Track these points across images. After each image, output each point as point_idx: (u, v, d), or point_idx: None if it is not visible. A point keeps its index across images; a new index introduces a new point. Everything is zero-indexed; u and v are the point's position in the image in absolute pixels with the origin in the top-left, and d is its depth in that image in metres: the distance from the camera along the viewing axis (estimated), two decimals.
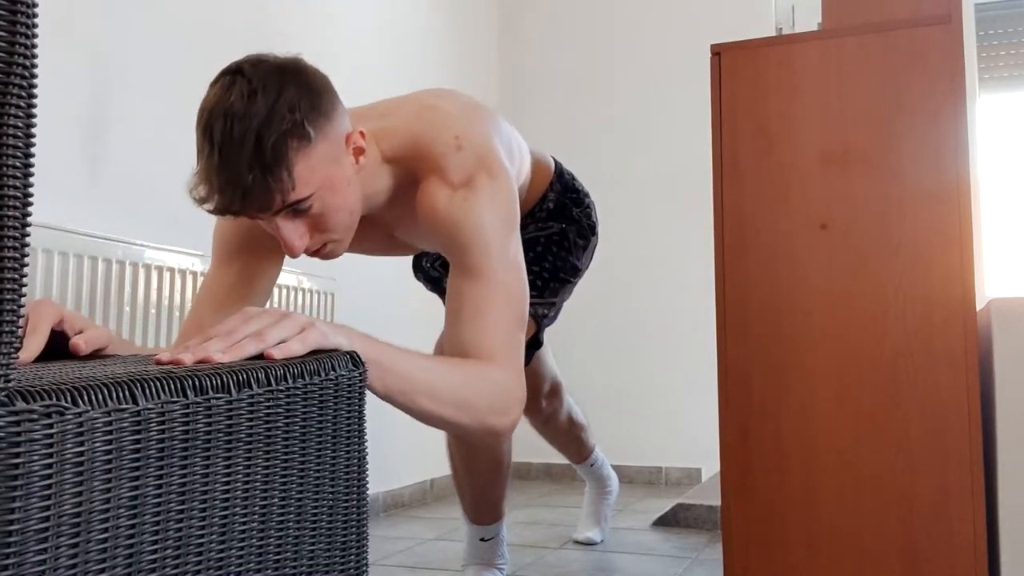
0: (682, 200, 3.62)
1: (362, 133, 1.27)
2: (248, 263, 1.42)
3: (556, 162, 1.86)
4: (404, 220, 1.45)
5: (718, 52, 1.46)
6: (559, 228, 1.81)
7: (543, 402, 2.05)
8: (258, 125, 1.10)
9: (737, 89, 1.45)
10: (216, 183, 1.12)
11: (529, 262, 1.76)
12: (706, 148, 3.38)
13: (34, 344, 0.94)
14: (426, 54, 3.44)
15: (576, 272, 1.85)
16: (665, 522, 2.65)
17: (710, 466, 3.41)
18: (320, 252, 1.28)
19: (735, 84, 1.45)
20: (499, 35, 4.04)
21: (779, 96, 1.42)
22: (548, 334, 1.84)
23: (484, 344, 1.24)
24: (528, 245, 1.78)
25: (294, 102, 1.13)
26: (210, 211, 1.17)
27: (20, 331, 0.93)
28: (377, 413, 2.82)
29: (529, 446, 3.81)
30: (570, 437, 2.26)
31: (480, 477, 1.79)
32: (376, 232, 1.50)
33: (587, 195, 1.91)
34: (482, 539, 1.88)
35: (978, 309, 1.38)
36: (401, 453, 2.87)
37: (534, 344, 1.78)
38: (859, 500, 1.33)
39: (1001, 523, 1.28)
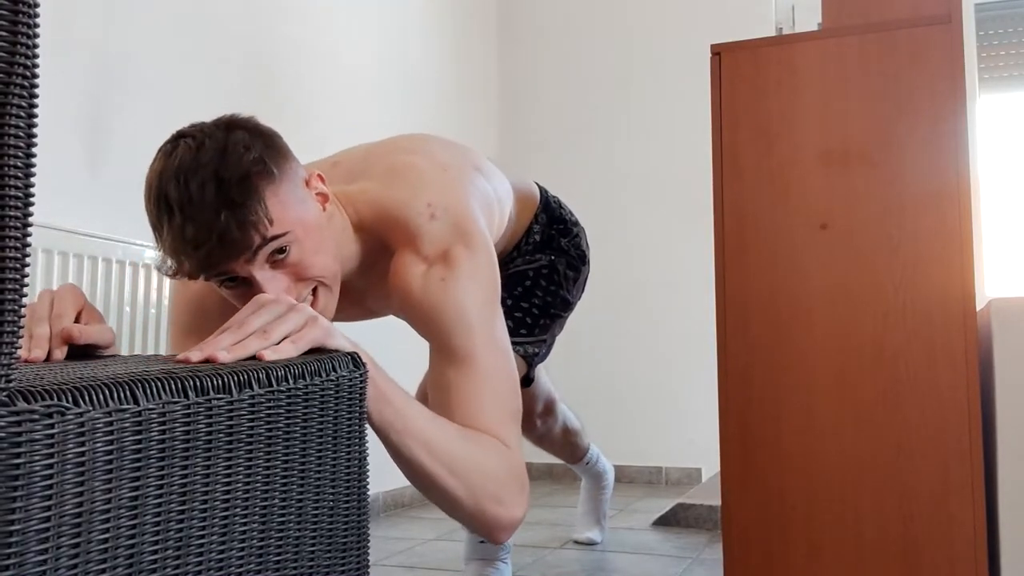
0: (682, 200, 3.62)
1: (320, 177, 1.20)
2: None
3: (542, 191, 1.81)
4: (377, 291, 1.36)
5: (718, 52, 1.46)
6: (547, 260, 1.77)
7: (537, 422, 2.03)
8: (215, 168, 1.03)
9: (737, 89, 1.45)
10: (187, 241, 1.03)
11: (517, 298, 1.74)
12: (706, 148, 3.39)
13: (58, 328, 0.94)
14: (426, 54, 3.44)
15: (567, 306, 1.81)
16: (665, 522, 2.65)
17: (710, 466, 3.41)
18: (316, 298, 1.17)
19: (735, 84, 1.45)
20: (498, 35, 4.04)
21: (779, 96, 1.42)
22: None
23: (480, 428, 1.15)
24: (516, 280, 1.75)
25: (247, 142, 1.08)
26: (188, 276, 1.08)
27: (45, 313, 0.96)
28: None
29: (529, 446, 3.81)
30: (565, 443, 2.25)
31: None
32: (349, 300, 1.35)
33: (576, 223, 1.85)
34: (482, 541, 1.85)
35: (978, 309, 1.38)
36: None
37: (525, 382, 1.70)
38: (859, 500, 1.33)
39: (1001, 522, 1.28)
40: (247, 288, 1.10)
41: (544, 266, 1.77)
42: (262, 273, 1.09)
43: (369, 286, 1.35)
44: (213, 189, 1.02)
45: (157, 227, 1.07)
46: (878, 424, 1.33)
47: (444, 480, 1.06)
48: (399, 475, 1.10)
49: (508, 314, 1.68)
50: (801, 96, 1.41)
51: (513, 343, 1.46)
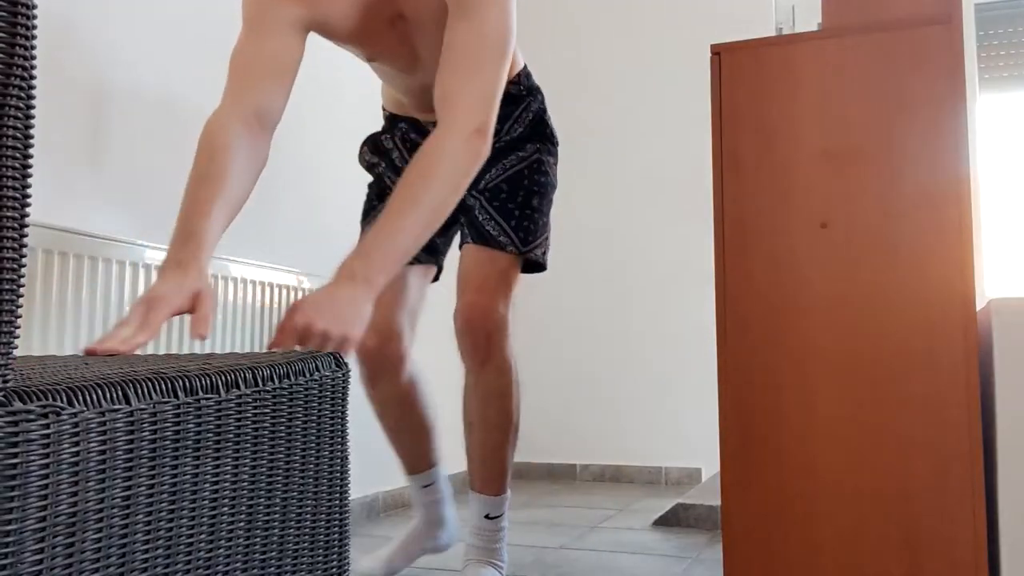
0: (683, 200, 3.62)
1: None
2: (289, 40, 1.47)
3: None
4: None
5: (718, 52, 1.46)
6: (535, 150, 1.81)
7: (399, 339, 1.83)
8: None
9: (737, 89, 1.45)
10: None
11: (522, 205, 1.77)
12: (706, 148, 3.40)
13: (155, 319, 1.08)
14: None
15: (554, 190, 1.84)
16: (665, 522, 2.65)
17: (710, 466, 3.42)
18: None
19: (735, 84, 1.45)
20: None
21: (779, 96, 1.42)
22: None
23: (459, 92, 1.42)
24: (514, 183, 1.78)
25: None
26: None
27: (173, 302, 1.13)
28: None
29: (529, 446, 3.82)
30: (417, 419, 1.91)
31: (493, 432, 1.75)
32: (378, 18, 1.51)
33: (541, 92, 1.94)
34: (488, 516, 1.79)
35: (978, 309, 1.38)
36: None
37: (540, 268, 1.82)
38: (859, 499, 1.33)
39: (1001, 522, 1.28)
40: None
41: (534, 161, 1.81)
42: None
43: None
44: None
45: None
46: (878, 424, 1.33)
47: (445, 211, 1.36)
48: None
49: (519, 224, 1.73)
50: (801, 96, 1.41)
51: (530, 250, 1.73)
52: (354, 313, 1.21)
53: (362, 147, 1.92)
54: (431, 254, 1.86)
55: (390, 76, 1.74)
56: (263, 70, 1.44)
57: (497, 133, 1.64)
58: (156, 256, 1.93)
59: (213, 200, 1.28)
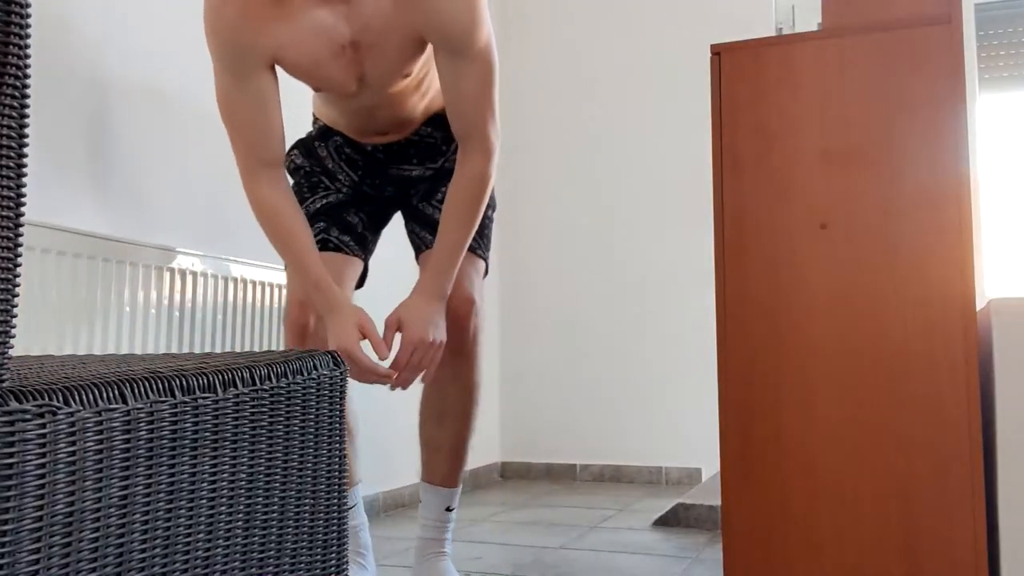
0: (682, 200, 3.62)
1: None
2: (261, 81, 1.58)
3: None
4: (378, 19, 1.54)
5: (718, 52, 1.46)
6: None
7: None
8: None
9: (737, 89, 1.44)
10: None
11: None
12: (706, 148, 3.40)
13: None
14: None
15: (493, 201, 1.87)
16: (665, 522, 2.65)
17: (710, 466, 3.41)
18: None
19: (735, 84, 1.45)
20: (499, 36, 4.04)
21: (779, 96, 1.42)
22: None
23: (480, 125, 1.62)
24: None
25: None
26: None
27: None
28: (378, 414, 2.81)
29: (529, 446, 3.82)
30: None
31: (466, 423, 1.78)
32: (331, 44, 1.56)
33: None
34: (448, 508, 1.79)
35: (978, 309, 1.38)
36: (401, 453, 2.87)
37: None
38: (859, 499, 1.33)
39: (1001, 522, 1.28)
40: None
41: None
42: None
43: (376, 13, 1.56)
44: None
45: None
46: (878, 424, 1.32)
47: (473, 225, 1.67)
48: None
49: (479, 231, 1.76)
50: (801, 96, 1.41)
51: (486, 255, 1.85)
52: (443, 324, 1.63)
53: (291, 150, 1.85)
54: (361, 247, 1.81)
55: (330, 98, 1.75)
56: (258, 118, 1.59)
57: (444, 153, 1.81)
58: (157, 256, 1.93)
59: (304, 251, 1.61)
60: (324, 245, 1.73)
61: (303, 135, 1.88)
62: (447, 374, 1.73)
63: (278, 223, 1.61)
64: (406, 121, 1.77)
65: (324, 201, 1.79)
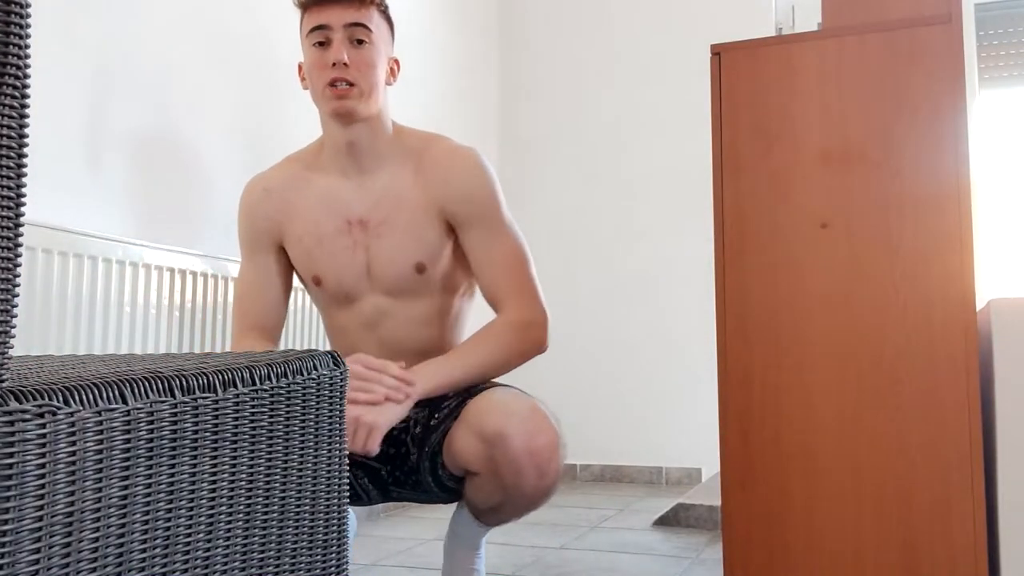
0: (682, 200, 3.62)
1: (396, 61, 1.64)
2: (268, 257, 1.65)
3: None
4: (389, 185, 1.58)
5: (718, 52, 1.46)
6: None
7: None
8: None
9: (737, 89, 1.44)
10: None
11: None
12: (706, 148, 3.39)
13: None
14: (427, 56, 3.44)
15: None
16: (665, 522, 2.64)
17: (710, 466, 3.41)
18: (347, 91, 1.52)
19: (735, 84, 1.45)
20: (499, 36, 4.04)
21: (779, 96, 1.42)
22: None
23: (513, 289, 1.60)
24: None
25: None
26: (311, 2, 1.53)
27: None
28: None
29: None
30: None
31: (516, 514, 1.58)
32: (338, 222, 1.59)
33: None
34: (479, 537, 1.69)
35: (978, 309, 1.38)
36: None
37: None
38: (859, 500, 1.33)
39: (1001, 522, 1.28)
40: (325, 52, 1.53)
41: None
42: (344, 43, 1.52)
43: (384, 178, 1.60)
44: None
45: None
46: (878, 424, 1.32)
47: (492, 374, 1.58)
48: None
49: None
50: (801, 96, 1.41)
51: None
52: (391, 411, 1.44)
53: None
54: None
55: (336, 315, 1.66)
56: (258, 290, 1.64)
57: None
58: (156, 256, 1.93)
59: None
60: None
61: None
62: (520, 501, 1.51)
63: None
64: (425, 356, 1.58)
65: None
